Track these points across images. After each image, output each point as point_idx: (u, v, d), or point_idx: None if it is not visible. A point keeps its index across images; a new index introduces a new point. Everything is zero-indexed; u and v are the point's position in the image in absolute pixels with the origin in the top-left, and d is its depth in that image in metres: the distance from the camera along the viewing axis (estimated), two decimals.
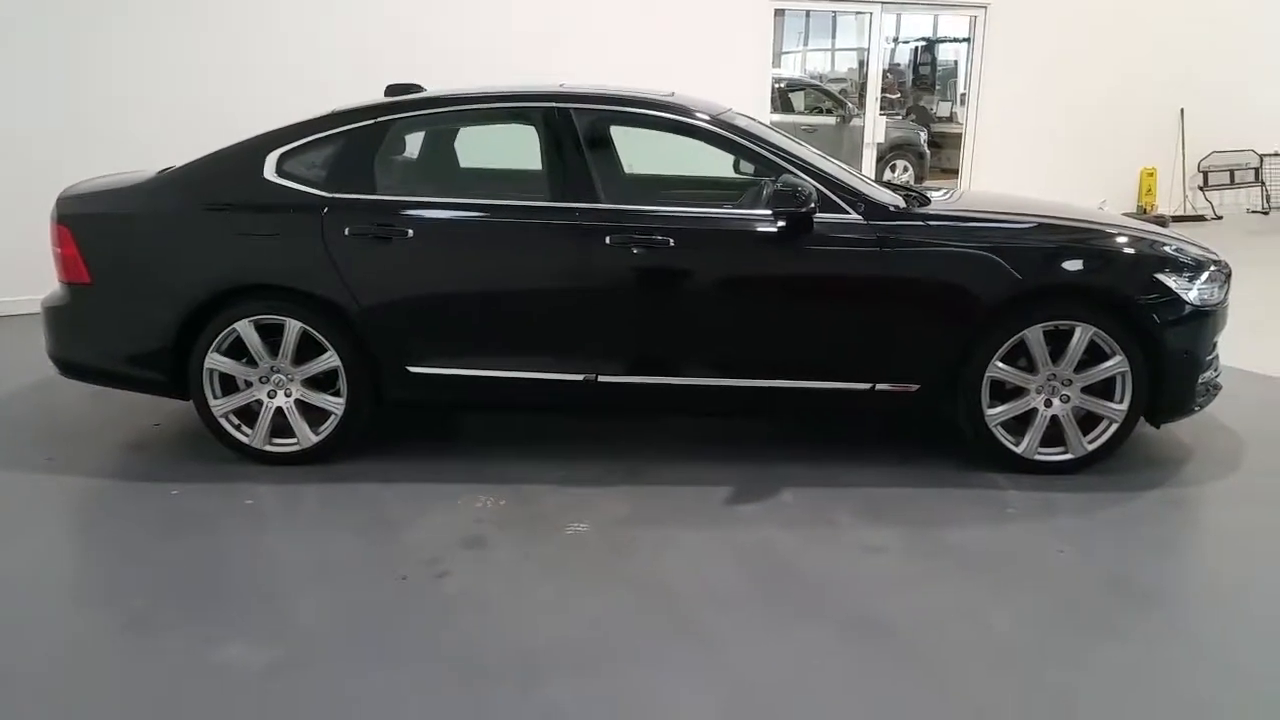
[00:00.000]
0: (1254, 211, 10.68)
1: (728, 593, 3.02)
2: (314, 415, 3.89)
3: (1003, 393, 3.79)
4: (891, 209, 3.81)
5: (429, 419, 4.53)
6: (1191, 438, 4.24)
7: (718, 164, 4.35)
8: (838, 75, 15.51)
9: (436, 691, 2.53)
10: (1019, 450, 3.80)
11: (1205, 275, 3.83)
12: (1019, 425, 3.81)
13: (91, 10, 6.41)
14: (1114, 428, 3.78)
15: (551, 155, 3.85)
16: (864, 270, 3.74)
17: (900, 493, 3.73)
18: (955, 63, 15.56)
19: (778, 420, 4.52)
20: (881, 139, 9.75)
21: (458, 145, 4.47)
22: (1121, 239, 3.88)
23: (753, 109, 5.89)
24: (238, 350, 3.82)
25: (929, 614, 2.90)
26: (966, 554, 3.27)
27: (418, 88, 4.34)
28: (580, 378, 3.83)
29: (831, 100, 12.88)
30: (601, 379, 3.83)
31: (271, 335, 3.81)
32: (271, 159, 3.85)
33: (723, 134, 3.90)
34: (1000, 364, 3.72)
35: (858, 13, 10.29)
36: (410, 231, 3.77)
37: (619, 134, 4.29)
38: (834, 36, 16.52)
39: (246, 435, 3.90)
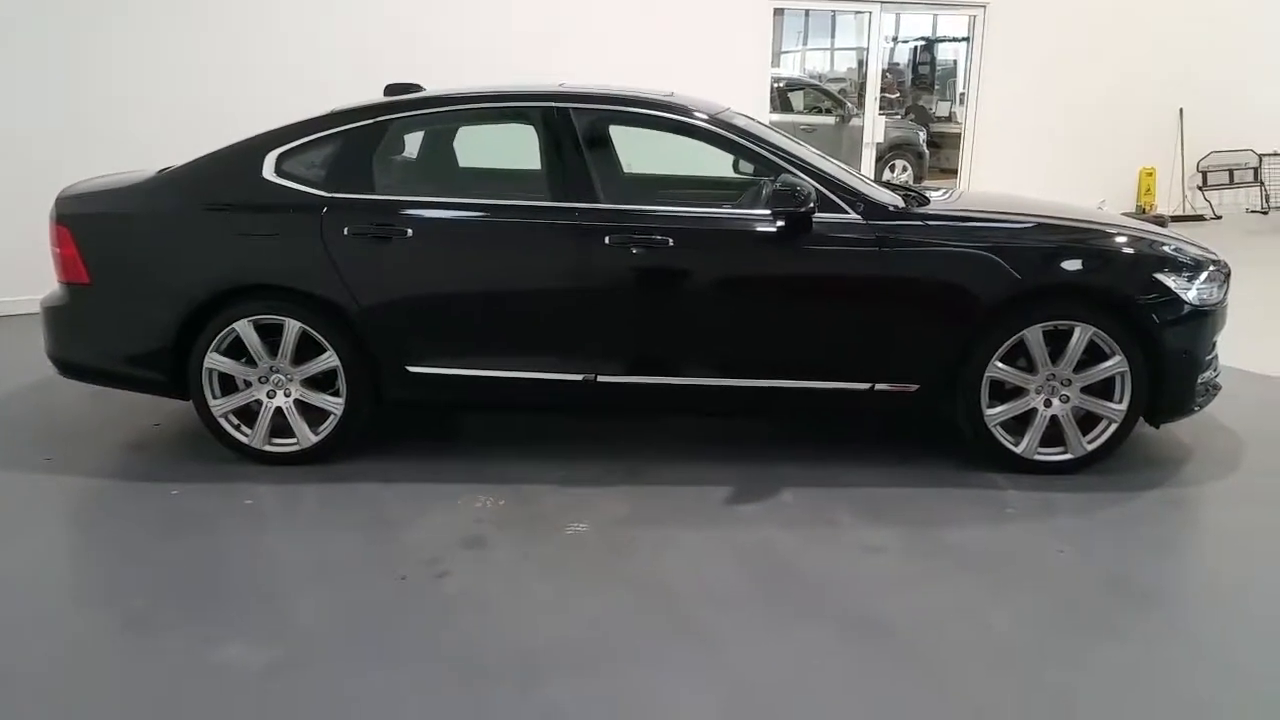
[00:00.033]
0: (1253, 211, 10.68)
1: (727, 593, 3.02)
2: (313, 415, 3.90)
3: (1002, 393, 3.79)
4: (891, 209, 3.81)
5: (429, 419, 4.53)
6: (1191, 438, 4.24)
7: (717, 164, 4.35)
8: (837, 75, 15.48)
9: (436, 691, 2.53)
10: (1018, 450, 3.80)
11: (1204, 275, 3.83)
12: (1018, 425, 3.81)
13: (91, 10, 6.41)
14: (1113, 428, 3.78)
15: (551, 155, 3.85)
16: (863, 270, 3.74)
17: (900, 493, 3.73)
18: (954, 62, 15.56)
19: (778, 420, 4.52)
20: (880, 139, 9.75)
21: (457, 145, 4.47)
22: (1121, 239, 3.88)
23: (752, 109, 5.88)
24: (237, 350, 3.82)
25: (928, 614, 2.90)
26: (966, 554, 3.28)
27: (417, 87, 4.34)
28: (580, 378, 3.83)
29: (831, 100, 12.87)
30: (601, 379, 3.83)
31: (271, 335, 3.81)
32: (271, 159, 3.85)
33: (722, 134, 3.90)
34: (1000, 364, 3.73)
35: (857, 12, 10.30)
36: (409, 231, 3.77)
37: (618, 134, 4.29)
38: (833, 36, 16.51)
39: (246, 435, 3.90)
